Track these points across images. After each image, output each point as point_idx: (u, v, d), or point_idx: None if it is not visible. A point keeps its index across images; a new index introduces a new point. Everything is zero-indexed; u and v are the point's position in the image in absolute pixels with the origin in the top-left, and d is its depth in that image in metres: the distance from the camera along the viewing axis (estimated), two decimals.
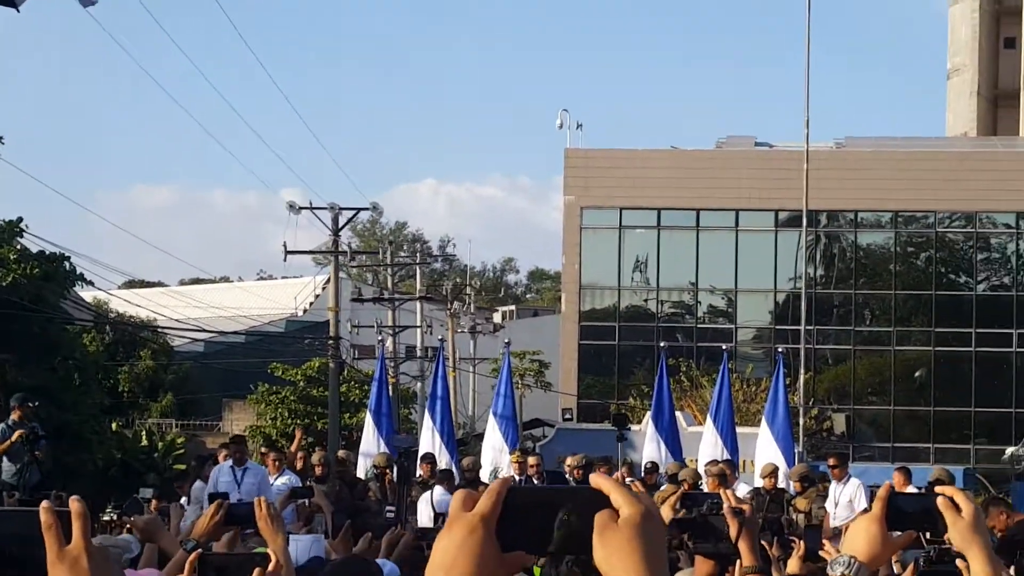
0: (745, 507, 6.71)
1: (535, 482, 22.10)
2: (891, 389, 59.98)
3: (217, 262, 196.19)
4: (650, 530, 2.32)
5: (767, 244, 59.95)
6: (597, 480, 2.35)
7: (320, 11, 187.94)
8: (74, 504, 2.83)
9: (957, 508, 3.65)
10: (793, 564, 9.49)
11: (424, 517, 19.80)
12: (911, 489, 21.34)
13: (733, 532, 6.75)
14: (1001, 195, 58.50)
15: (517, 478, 23.14)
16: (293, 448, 24.80)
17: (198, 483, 21.49)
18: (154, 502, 22.58)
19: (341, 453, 25.80)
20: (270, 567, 5.53)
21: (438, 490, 21.16)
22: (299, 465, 22.99)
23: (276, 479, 21.49)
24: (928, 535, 3.86)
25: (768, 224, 59.83)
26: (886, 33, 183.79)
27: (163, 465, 48.18)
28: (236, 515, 7.10)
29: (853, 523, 3.83)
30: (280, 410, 55.92)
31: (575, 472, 21.44)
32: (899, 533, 3.71)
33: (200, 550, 6.06)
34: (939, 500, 3.64)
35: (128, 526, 19.58)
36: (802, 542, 10.52)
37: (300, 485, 22.01)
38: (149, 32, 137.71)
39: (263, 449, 25.41)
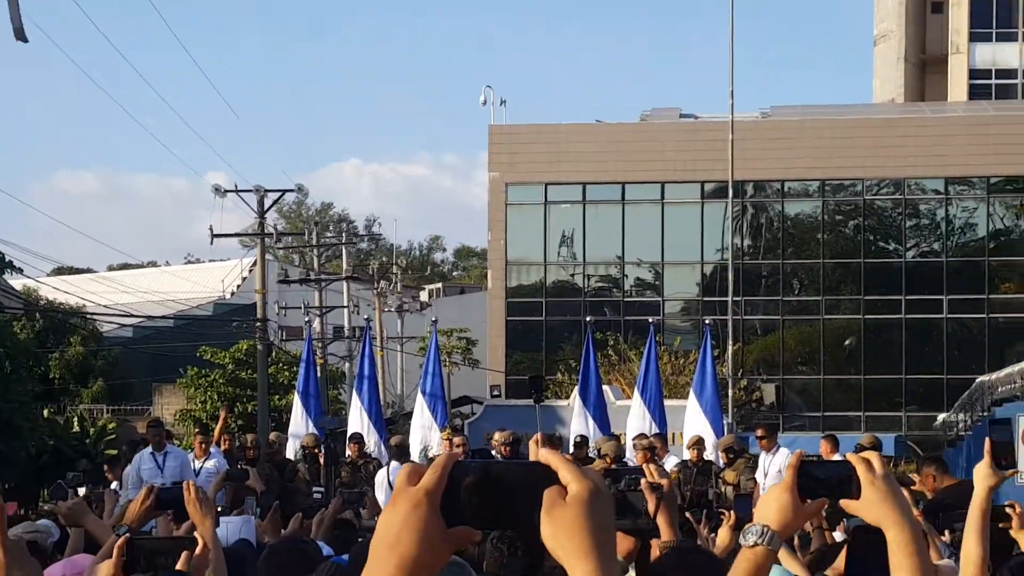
0: (663, 482, 6.61)
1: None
2: (820, 358, 60.24)
3: (144, 247, 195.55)
4: (599, 507, 2.32)
5: (694, 216, 60.02)
6: (545, 455, 2.34)
7: None
8: None
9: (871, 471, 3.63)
10: (723, 534, 9.42)
11: (383, 494, 19.69)
12: (837, 457, 21.43)
13: (651, 507, 6.66)
14: (930, 161, 58.75)
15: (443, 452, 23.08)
16: (218, 429, 24.69)
17: (129, 467, 21.40)
18: (86, 487, 22.36)
19: (272, 435, 25.70)
20: (197, 550, 5.46)
21: (394, 465, 21.06)
22: (224, 446, 22.88)
23: (204, 461, 21.51)
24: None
25: (694, 196, 59.90)
26: (811, 0, 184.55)
27: (95, 451, 47.72)
28: (166, 499, 7.11)
29: (766, 492, 3.79)
30: (210, 393, 55.67)
31: (502, 449, 21.33)
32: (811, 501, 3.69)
33: (128, 535, 6.06)
34: (852, 460, 3.63)
35: (50, 510, 19.47)
36: (732, 512, 10.47)
37: (227, 466, 21.99)
38: (69, 15, 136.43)
39: (195, 431, 25.27)
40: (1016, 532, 7.97)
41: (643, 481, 6.64)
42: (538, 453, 2.38)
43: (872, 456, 3.69)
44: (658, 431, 25.91)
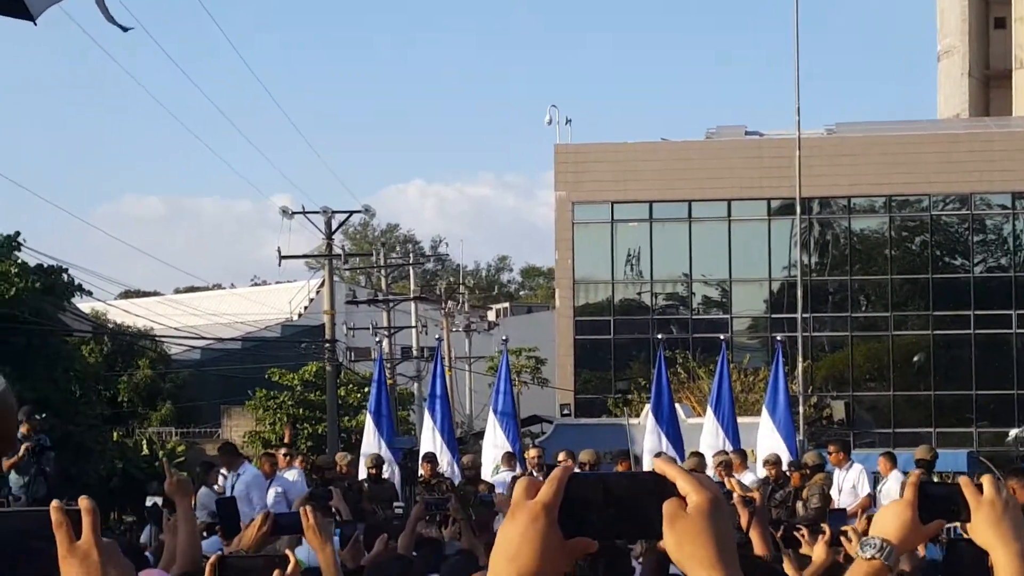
0: (755, 495, 6.65)
1: (537, 476, 22.02)
2: (890, 374, 59.94)
3: (210, 269, 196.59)
4: (719, 517, 2.36)
5: (760, 233, 59.92)
6: (662, 467, 2.39)
7: (307, 14, 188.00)
8: (83, 501, 2.95)
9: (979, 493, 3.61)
10: (820, 550, 9.45)
11: None
12: (895, 473, 21.36)
13: (744, 521, 6.68)
14: (995, 176, 58.46)
15: (529, 471, 23.13)
16: (286, 441, 24.91)
17: (203, 489, 21.61)
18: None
19: (341, 455, 25.81)
20: (289, 569, 5.50)
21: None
22: (300, 465, 23.14)
23: (284, 472, 21.85)
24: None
25: (761, 213, 59.81)
26: (875, 17, 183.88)
27: (165, 474, 48.05)
28: (283, 524, 7.13)
29: (884, 507, 3.80)
30: (279, 415, 55.89)
31: (587, 468, 21.38)
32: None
33: (221, 552, 6.16)
34: (962, 482, 3.62)
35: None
36: (827, 526, 10.54)
37: (305, 481, 22.24)
38: (137, 39, 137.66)
39: (269, 451, 25.50)
40: None
41: (735, 496, 6.66)
42: (655, 464, 2.41)
43: (985, 480, 3.66)
44: (732, 448, 25.86)
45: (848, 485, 21.85)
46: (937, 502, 3.68)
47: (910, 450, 25.56)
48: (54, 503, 3.02)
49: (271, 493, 21.58)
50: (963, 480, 3.67)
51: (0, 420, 3.42)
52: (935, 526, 3.69)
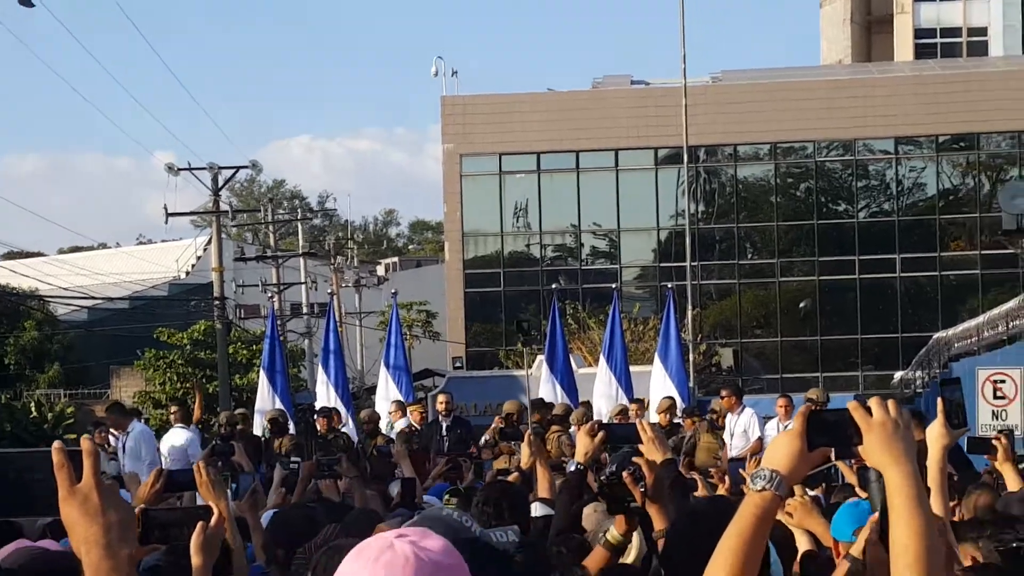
0: (657, 457, 6.73)
1: (443, 423, 22.09)
2: (777, 321, 60.54)
3: (95, 228, 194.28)
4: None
5: (648, 182, 60.15)
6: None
7: None
8: (85, 443, 3.05)
9: (868, 416, 3.72)
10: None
11: None
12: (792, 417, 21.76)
13: (649, 482, 6.69)
14: (878, 121, 59.03)
15: (416, 426, 23.15)
16: (197, 405, 24.79)
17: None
18: None
19: (240, 411, 25.72)
20: (213, 520, 5.52)
21: None
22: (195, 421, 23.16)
23: (175, 430, 21.86)
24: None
25: (648, 162, 60.04)
26: None
27: (54, 436, 47.55)
28: (176, 481, 7.11)
29: (774, 439, 3.85)
30: (169, 374, 55.42)
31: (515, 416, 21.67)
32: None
33: (144, 506, 6.06)
34: (850, 407, 3.71)
35: None
36: (727, 476, 10.76)
37: (199, 441, 22.16)
38: None
39: (172, 407, 25.42)
40: (1000, 464, 8.17)
41: (641, 460, 6.71)
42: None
43: (873, 402, 3.74)
44: (628, 397, 26.07)
45: (740, 429, 22.14)
46: (828, 430, 3.76)
47: (799, 395, 25.89)
48: (56, 444, 3.07)
49: (166, 448, 21.57)
50: (851, 405, 3.75)
51: None
52: (823, 452, 3.77)
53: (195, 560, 5.52)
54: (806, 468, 3.79)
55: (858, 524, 5.88)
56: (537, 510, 8.60)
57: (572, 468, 7.74)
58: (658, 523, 6.07)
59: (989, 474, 10.69)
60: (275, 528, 7.36)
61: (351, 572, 3.21)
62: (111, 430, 22.14)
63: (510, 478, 10.54)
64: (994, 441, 8.15)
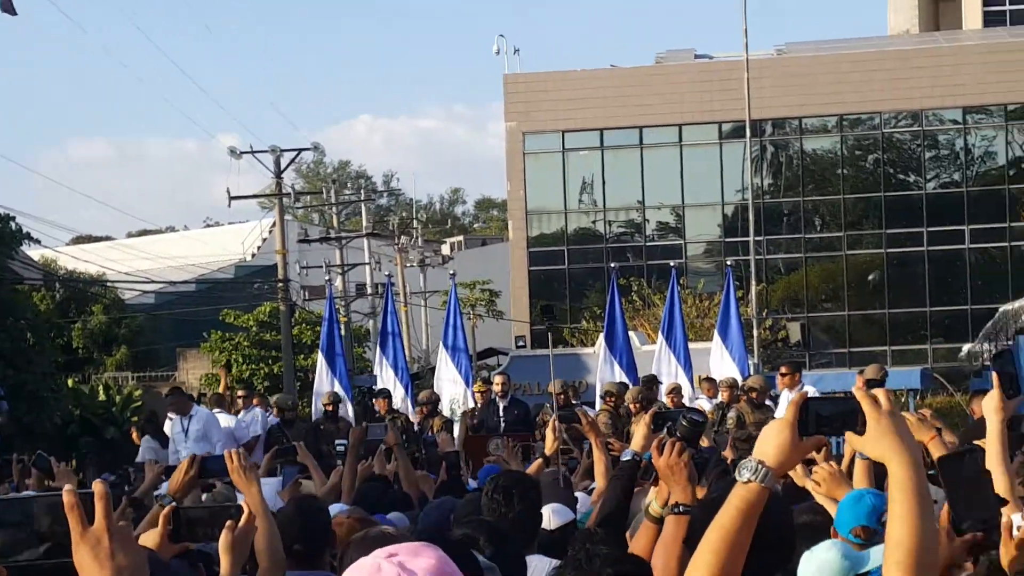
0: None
1: (499, 404, 21.99)
2: (844, 294, 60.11)
3: (162, 212, 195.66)
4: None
5: (712, 157, 59.82)
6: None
7: None
8: (97, 487, 3.05)
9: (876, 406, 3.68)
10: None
11: None
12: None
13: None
14: (946, 91, 58.41)
15: (479, 405, 23.05)
16: (222, 389, 24.93)
17: (145, 438, 21.60)
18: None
19: (286, 397, 25.74)
20: (242, 520, 5.49)
21: None
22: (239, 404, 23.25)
23: (245, 414, 22.61)
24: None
25: (712, 137, 59.68)
26: None
27: (122, 418, 47.91)
28: (210, 469, 7.10)
29: (765, 428, 3.78)
30: (235, 356, 55.77)
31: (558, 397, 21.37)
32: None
33: (174, 504, 6.18)
34: (858, 395, 3.67)
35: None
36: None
37: (266, 425, 22.20)
38: None
39: (239, 390, 25.60)
40: None
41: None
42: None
43: (879, 393, 3.70)
44: (685, 374, 25.90)
45: None
46: (824, 419, 3.72)
47: (845, 372, 25.65)
48: (67, 487, 3.07)
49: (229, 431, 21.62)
50: (859, 393, 3.69)
51: None
52: (813, 441, 3.73)
53: (223, 560, 5.56)
54: (796, 459, 3.76)
55: (857, 521, 5.70)
56: (552, 522, 8.26)
57: (627, 457, 7.54)
58: (676, 498, 5.93)
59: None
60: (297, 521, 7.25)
61: None
62: (169, 415, 22.11)
63: (532, 467, 10.33)
64: None
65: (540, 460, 10.18)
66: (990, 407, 6.40)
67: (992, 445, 6.28)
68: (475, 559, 5.17)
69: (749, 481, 3.65)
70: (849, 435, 3.67)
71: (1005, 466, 6.21)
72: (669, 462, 5.81)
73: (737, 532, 3.66)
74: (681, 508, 5.70)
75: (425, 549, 3.26)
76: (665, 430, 6.35)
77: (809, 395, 3.75)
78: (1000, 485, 6.11)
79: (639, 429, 7.51)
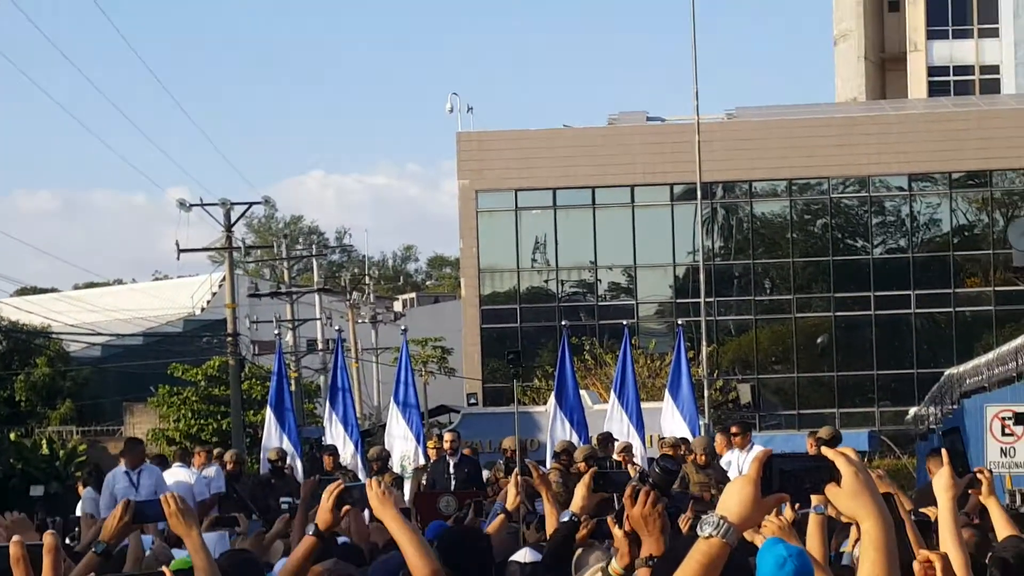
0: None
1: (448, 460, 21.98)
2: (794, 357, 60.37)
3: (109, 265, 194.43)
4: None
5: (664, 219, 60.08)
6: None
7: (197, 5, 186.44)
8: (47, 539, 2.99)
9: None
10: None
11: None
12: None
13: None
14: (892, 158, 59.05)
15: (431, 461, 23.02)
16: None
17: (87, 489, 21.10)
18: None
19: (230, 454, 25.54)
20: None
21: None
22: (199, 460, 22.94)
23: (202, 470, 22.18)
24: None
25: (664, 199, 59.98)
26: (771, 1, 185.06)
27: (65, 472, 47.49)
28: (144, 513, 6.97)
29: (728, 485, 3.81)
30: (183, 411, 55.36)
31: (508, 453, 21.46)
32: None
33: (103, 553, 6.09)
34: (829, 454, 3.71)
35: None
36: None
37: (224, 485, 22.01)
38: (23, 31, 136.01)
39: (197, 448, 25.24)
40: (985, 498, 8.16)
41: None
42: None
43: (848, 451, 3.75)
44: (637, 434, 25.89)
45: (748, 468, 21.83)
46: (788, 476, 3.74)
47: (815, 430, 25.64)
48: (15, 538, 3.01)
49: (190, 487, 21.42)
50: (830, 452, 3.73)
51: None
52: (775, 499, 3.75)
53: None
54: (759, 515, 3.76)
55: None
56: (526, 556, 8.35)
57: (566, 519, 7.56)
58: (648, 549, 5.92)
59: (966, 515, 10.57)
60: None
61: None
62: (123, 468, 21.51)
63: (494, 523, 10.25)
64: (978, 475, 8.08)
65: (502, 515, 10.09)
66: (940, 485, 6.51)
67: (944, 522, 6.40)
68: None
69: (711, 536, 3.67)
70: (829, 489, 3.69)
71: (958, 542, 6.31)
72: (644, 512, 5.76)
73: None
74: (654, 560, 5.68)
75: None
76: (638, 477, 6.34)
77: (773, 452, 3.77)
78: (955, 561, 6.19)
79: (579, 489, 7.53)
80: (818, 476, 3.70)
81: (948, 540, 6.27)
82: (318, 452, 25.46)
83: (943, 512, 6.45)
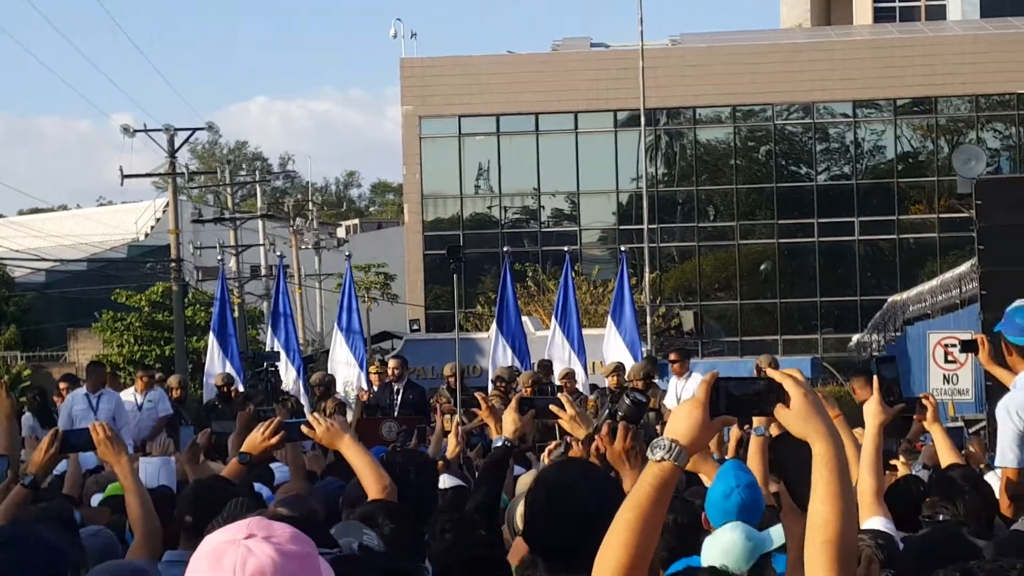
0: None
1: (394, 386, 22.06)
2: (737, 284, 60.57)
3: (54, 191, 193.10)
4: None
5: (607, 145, 60.06)
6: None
7: None
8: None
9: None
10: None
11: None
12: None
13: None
14: (837, 84, 59.02)
15: (375, 388, 23.16)
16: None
17: (62, 408, 21.05)
18: None
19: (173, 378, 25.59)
20: None
21: None
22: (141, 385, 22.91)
23: (145, 395, 22.09)
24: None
25: (608, 125, 59.92)
26: None
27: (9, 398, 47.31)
28: (73, 442, 6.99)
29: (676, 408, 3.82)
30: (126, 337, 55.21)
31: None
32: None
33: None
34: (777, 376, 3.74)
35: None
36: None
37: (170, 407, 22.07)
38: None
39: (139, 372, 25.14)
40: (930, 424, 8.20)
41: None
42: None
43: (795, 372, 3.77)
44: (579, 360, 26.06)
45: (687, 395, 22.00)
46: (735, 399, 3.76)
47: (755, 357, 25.86)
48: None
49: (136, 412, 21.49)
50: (776, 373, 3.77)
51: None
52: (723, 420, 3.76)
53: None
54: (708, 438, 3.79)
55: (728, 517, 5.59)
56: (446, 482, 8.45)
57: (499, 444, 7.57)
58: (629, 484, 5.97)
59: (908, 442, 10.72)
60: (191, 495, 7.24)
61: None
62: (83, 390, 21.39)
63: (450, 447, 10.32)
64: (923, 400, 8.15)
65: (442, 463, 10.08)
66: (869, 411, 6.51)
67: (867, 449, 6.42)
68: (332, 539, 5.03)
69: (663, 459, 3.68)
70: (778, 411, 3.71)
71: (876, 471, 6.32)
72: (625, 447, 5.59)
73: (651, 509, 3.68)
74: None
75: (272, 522, 3.08)
76: (607, 412, 6.25)
77: (720, 375, 3.79)
78: (869, 488, 6.25)
79: (507, 415, 7.52)
80: (766, 399, 3.72)
81: (866, 465, 6.29)
82: (273, 379, 25.45)
83: (867, 439, 6.48)
